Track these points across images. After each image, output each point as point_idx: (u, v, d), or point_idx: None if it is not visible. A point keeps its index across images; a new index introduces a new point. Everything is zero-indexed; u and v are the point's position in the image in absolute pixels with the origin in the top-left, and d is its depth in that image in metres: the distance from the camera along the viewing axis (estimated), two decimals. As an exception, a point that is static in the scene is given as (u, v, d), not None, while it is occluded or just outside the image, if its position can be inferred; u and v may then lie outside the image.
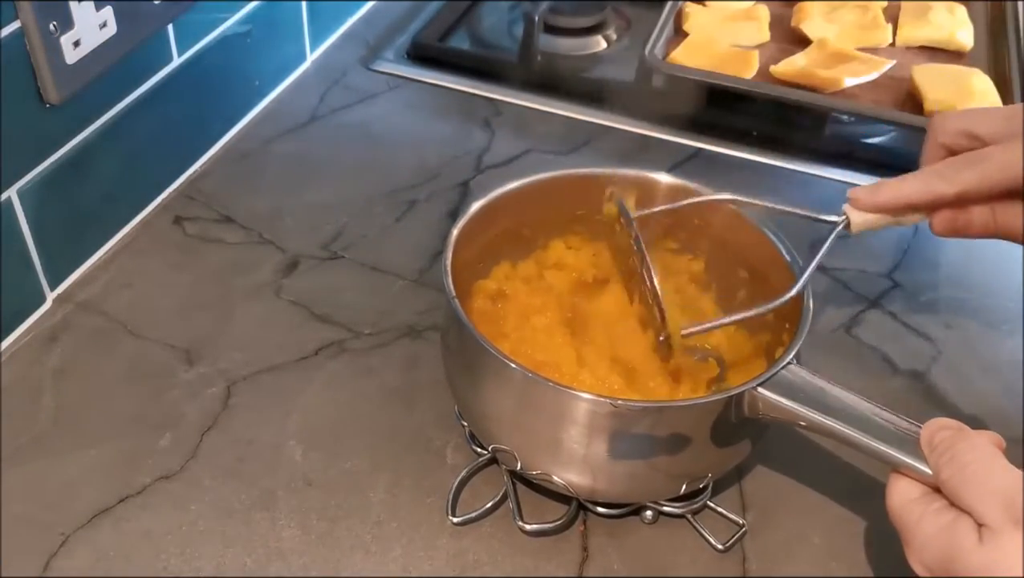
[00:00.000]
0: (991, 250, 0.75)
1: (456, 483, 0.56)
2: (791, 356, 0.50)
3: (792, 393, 0.49)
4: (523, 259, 0.62)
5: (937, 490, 0.44)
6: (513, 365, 0.49)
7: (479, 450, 0.58)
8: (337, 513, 0.55)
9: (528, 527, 0.54)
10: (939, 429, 0.44)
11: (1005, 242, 0.75)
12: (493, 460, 0.57)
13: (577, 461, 0.51)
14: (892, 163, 0.82)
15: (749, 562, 0.54)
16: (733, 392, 0.49)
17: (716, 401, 0.49)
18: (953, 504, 0.43)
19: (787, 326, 0.55)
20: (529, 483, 0.57)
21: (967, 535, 0.41)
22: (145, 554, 0.53)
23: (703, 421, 0.50)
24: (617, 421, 0.49)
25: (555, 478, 0.52)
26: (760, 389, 0.49)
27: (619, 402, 0.48)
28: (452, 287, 0.53)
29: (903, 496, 0.45)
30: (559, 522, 0.54)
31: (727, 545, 0.54)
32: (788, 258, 0.56)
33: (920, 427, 0.46)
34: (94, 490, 0.55)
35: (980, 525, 0.41)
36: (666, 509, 0.55)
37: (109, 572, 0.52)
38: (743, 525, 0.55)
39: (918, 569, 0.43)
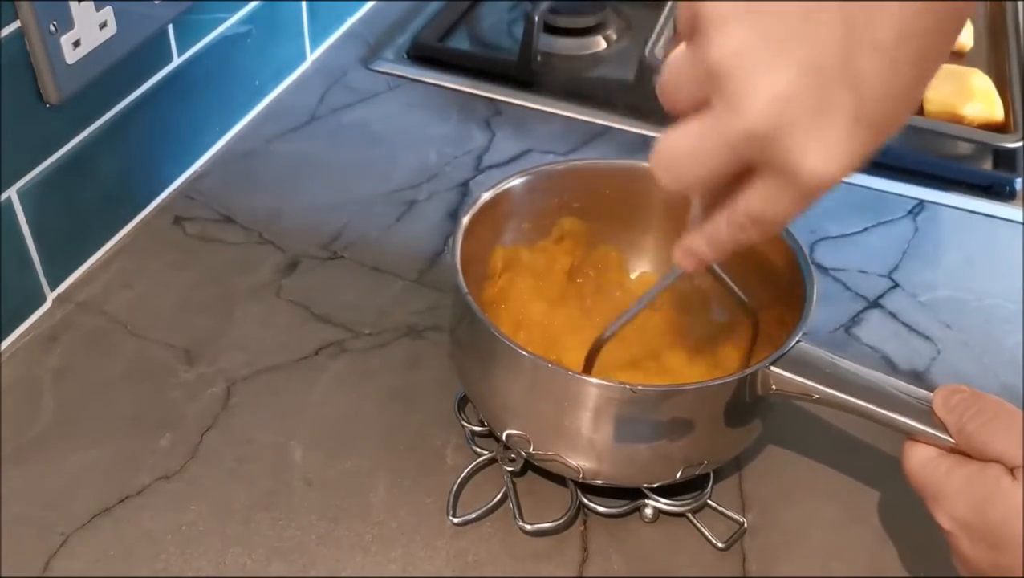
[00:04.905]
0: (991, 250, 0.76)
1: (456, 483, 0.56)
2: (800, 333, 0.51)
3: (803, 368, 0.50)
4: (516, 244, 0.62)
5: (954, 453, 0.45)
6: (525, 353, 0.49)
7: (479, 450, 0.58)
8: (337, 513, 0.55)
9: (528, 527, 0.54)
10: (952, 392, 0.46)
11: (1005, 243, 0.76)
12: (493, 460, 0.57)
13: (594, 447, 0.51)
14: (891, 163, 0.82)
15: (749, 561, 0.54)
16: (748, 372, 0.49)
17: (731, 382, 0.50)
18: (975, 459, 0.44)
19: (785, 308, 0.55)
20: (529, 483, 0.57)
21: (1000, 477, 0.43)
22: (145, 554, 0.53)
23: (718, 402, 0.50)
24: (635, 407, 0.49)
25: (569, 461, 0.52)
26: (773, 368, 0.49)
27: (639, 388, 0.48)
28: (463, 282, 0.53)
29: (922, 457, 0.46)
30: (559, 522, 0.54)
31: (727, 544, 0.54)
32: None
33: (931, 394, 0.47)
34: (94, 490, 0.55)
35: (1011, 468, 0.43)
36: (666, 507, 0.55)
37: (109, 572, 0.52)
38: (743, 524, 0.55)
39: (946, 522, 0.44)
